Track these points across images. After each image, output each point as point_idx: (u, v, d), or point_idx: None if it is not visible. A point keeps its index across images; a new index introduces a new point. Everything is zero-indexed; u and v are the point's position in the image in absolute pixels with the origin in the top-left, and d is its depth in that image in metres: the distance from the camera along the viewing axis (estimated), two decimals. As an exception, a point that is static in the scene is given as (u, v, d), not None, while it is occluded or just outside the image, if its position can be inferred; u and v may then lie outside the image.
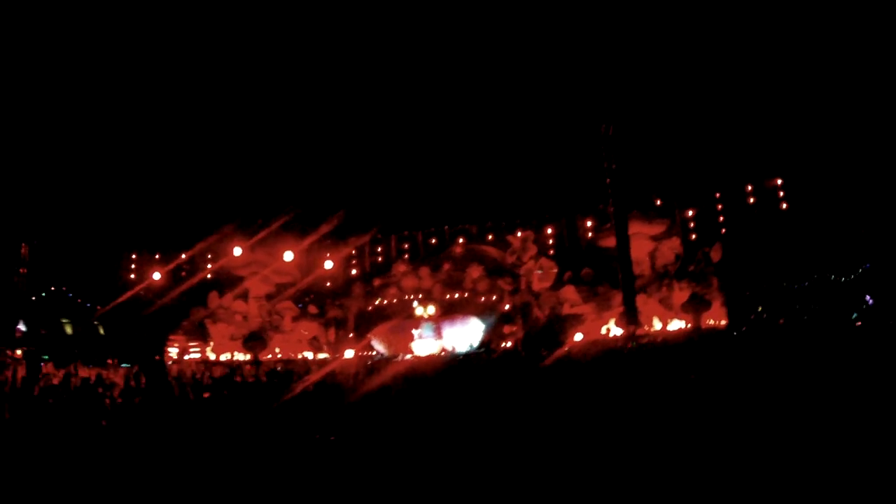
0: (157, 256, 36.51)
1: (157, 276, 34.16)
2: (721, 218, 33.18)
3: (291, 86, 32.90)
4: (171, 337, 33.21)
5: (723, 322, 28.63)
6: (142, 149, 32.65)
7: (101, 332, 33.15)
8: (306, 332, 34.12)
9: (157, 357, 30.06)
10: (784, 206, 30.79)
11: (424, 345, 31.46)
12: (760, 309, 24.66)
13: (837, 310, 21.33)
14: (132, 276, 36.07)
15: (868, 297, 21.01)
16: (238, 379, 21.10)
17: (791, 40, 27.04)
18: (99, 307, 33.25)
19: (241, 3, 31.72)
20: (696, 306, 29.60)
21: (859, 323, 18.40)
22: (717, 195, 33.03)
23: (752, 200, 31.56)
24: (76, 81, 30.25)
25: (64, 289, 33.22)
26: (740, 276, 28.33)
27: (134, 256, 36.74)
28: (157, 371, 19.85)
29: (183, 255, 35.77)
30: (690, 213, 34.19)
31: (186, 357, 32.40)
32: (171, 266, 35.59)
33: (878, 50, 24.66)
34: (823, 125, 24.36)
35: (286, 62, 32.32)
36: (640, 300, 29.45)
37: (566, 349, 24.62)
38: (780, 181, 30.79)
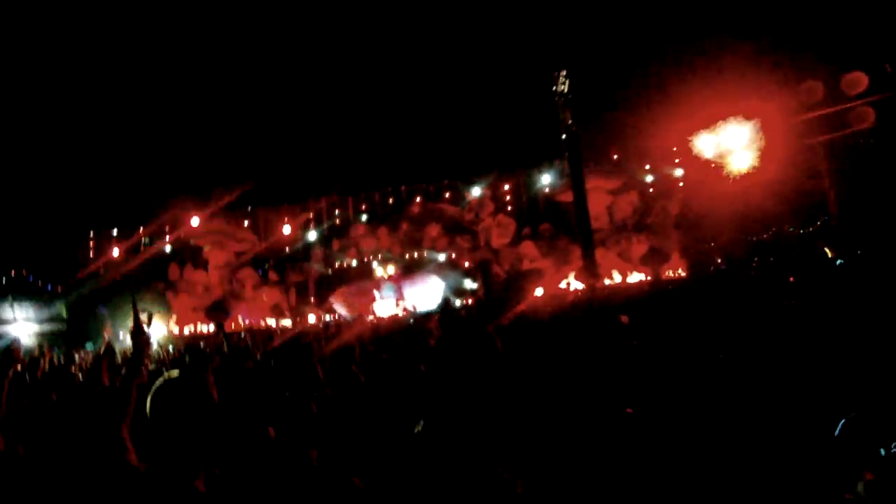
0: (113, 233, 34.95)
1: (115, 252, 32.79)
2: (680, 171, 32.29)
3: (240, 53, 31.38)
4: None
5: (682, 273, 28.00)
6: (89, 124, 30.95)
7: (65, 314, 31.72)
8: (268, 299, 32.90)
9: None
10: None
11: (386, 305, 30.42)
12: (720, 260, 23.97)
13: (796, 261, 20.55)
14: (90, 254, 34.58)
15: (826, 249, 20.22)
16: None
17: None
18: (60, 288, 31.80)
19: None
20: (655, 258, 28.96)
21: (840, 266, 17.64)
22: (675, 148, 32.03)
23: (711, 154, 30.54)
24: (25, 66, 28.49)
25: (24, 272, 31.66)
26: (700, 229, 27.66)
27: (91, 234, 35.17)
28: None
29: (140, 230, 34.30)
30: (648, 166, 33.31)
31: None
32: (129, 242, 34.10)
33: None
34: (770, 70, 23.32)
35: (234, 31, 30.76)
36: (600, 253, 28.67)
37: (526, 305, 23.59)
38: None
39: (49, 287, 31.82)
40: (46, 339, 27.18)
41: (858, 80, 21.05)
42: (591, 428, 5.29)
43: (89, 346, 25.79)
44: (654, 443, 4.97)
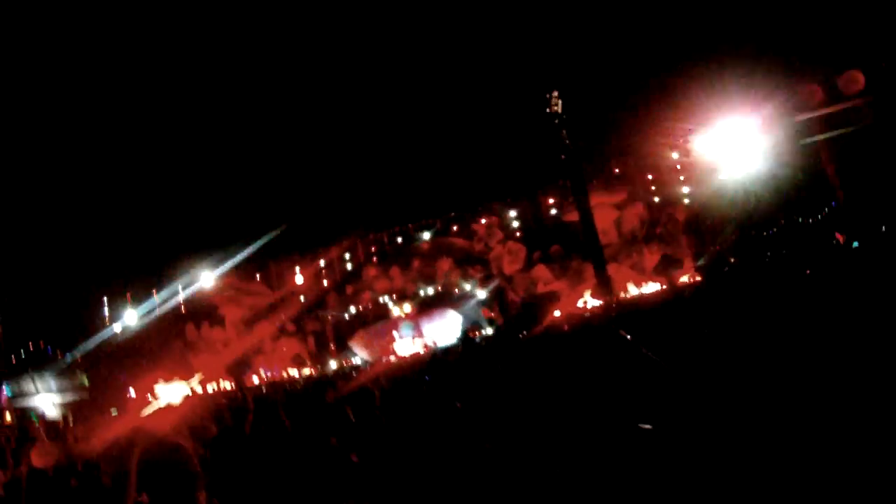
0: (127, 298, 35.05)
1: (132, 317, 33.03)
2: (684, 177, 32.24)
3: (240, 104, 31.59)
4: (154, 375, 31.94)
5: (697, 278, 27.85)
6: (95, 189, 31.13)
7: (86, 383, 31.72)
8: (287, 350, 32.99)
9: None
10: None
11: (405, 344, 30.37)
12: (733, 260, 23.84)
13: (809, 251, 20.43)
14: (107, 321, 34.70)
15: (837, 235, 20.09)
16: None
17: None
18: (80, 358, 31.84)
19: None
20: (667, 267, 28.91)
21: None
22: (676, 154, 31.95)
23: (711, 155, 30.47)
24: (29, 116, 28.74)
25: (42, 344, 31.72)
26: (709, 231, 27.62)
27: (105, 300, 35.29)
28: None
29: (154, 293, 34.49)
30: (650, 176, 33.33)
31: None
32: (144, 306, 34.30)
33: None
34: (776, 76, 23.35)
35: (230, 79, 31.02)
36: (612, 268, 28.59)
37: (546, 326, 23.51)
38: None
39: (69, 357, 31.83)
40: (70, 410, 27.29)
41: (856, 78, 21.12)
42: (606, 446, 5.26)
43: (114, 412, 25.93)
44: (672, 461, 4.93)
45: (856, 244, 16.86)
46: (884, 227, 17.86)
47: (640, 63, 27.65)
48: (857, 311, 7.41)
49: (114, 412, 26.01)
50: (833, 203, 23.20)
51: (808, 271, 13.74)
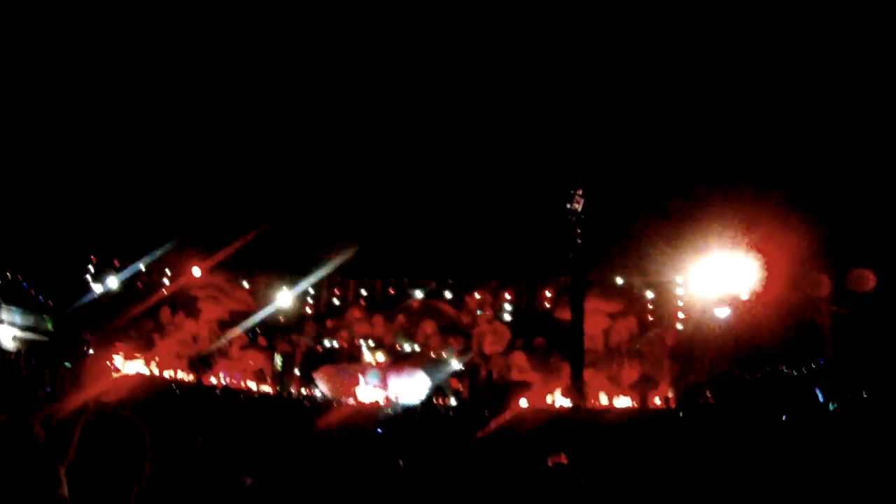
0: (115, 262, 34.96)
1: (113, 281, 33.05)
2: (679, 302, 32.40)
3: (264, 117, 31.90)
4: (118, 344, 31.68)
5: (670, 402, 27.83)
6: (118, 155, 31.27)
7: (50, 328, 31.42)
8: (252, 363, 32.80)
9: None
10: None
11: (368, 391, 30.13)
12: (708, 394, 23.80)
13: (786, 402, 20.41)
14: (89, 276, 34.65)
15: (818, 392, 20.09)
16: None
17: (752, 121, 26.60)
18: (51, 302, 31.65)
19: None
20: (644, 386, 28.91)
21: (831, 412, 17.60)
22: (679, 279, 32.03)
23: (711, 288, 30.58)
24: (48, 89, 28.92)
25: (19, 278, 31.49)
26: (691, 361, 27.59)
27: (93, 257, 35.25)
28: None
29: (141, 266, 34.49)
30: (650, 294, 33.43)
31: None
32: (129, 274, 34.30)
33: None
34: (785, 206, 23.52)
35: (258, 94, 31.41)
36: (589, 374, 28.59)
37: (511, 416, 23.39)
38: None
39: (41, 298, 31.60)
40: (26, 348, 27.12)
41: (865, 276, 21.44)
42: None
43: (68, 364, 25.64)
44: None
45: (833, 406, 16.86)
46: (865, 393, 17.89)
47: (666, 189, 27.82)
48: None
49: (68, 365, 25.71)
50: (820, 359, 23.16)
51: (778, 429, 13.70)
